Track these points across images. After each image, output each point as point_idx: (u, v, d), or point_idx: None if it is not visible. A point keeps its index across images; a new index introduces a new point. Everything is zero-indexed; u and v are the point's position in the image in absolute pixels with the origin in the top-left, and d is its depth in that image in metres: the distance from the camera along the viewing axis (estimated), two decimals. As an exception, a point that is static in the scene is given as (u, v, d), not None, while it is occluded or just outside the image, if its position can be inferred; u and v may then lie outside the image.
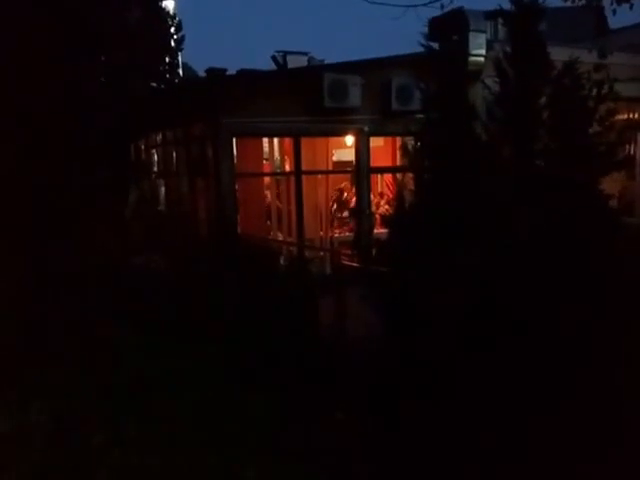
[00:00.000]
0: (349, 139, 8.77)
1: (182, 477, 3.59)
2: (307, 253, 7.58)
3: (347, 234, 9.61)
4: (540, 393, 3.09)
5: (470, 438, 3.16)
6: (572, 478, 3.03)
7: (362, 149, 8.51)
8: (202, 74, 10.63)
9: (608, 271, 3.22)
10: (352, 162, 8.83)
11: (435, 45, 4.05)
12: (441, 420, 3.31)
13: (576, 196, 3.44)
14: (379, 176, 9.97)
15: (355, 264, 5.49)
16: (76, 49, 7.92)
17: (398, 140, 8.74)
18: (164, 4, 14.93)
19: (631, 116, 9.11)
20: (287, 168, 9.08)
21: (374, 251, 5.19)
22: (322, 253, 8.20)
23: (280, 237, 9.22)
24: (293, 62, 10.33)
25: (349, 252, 6.56)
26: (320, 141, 9.04)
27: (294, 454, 3.69)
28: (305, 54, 11.16)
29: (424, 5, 4.59)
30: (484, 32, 7.60)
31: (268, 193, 9.76)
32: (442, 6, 4.56)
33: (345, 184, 10.39)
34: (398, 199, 4.27)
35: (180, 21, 15.68)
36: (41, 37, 7.05)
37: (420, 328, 3.53)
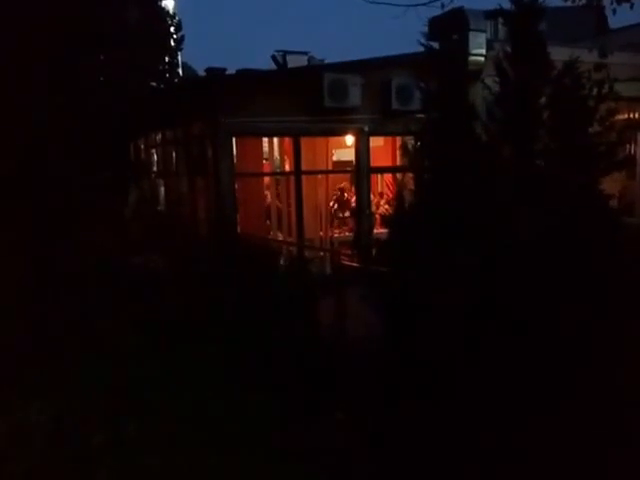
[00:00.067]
0: (349, 139, 8.77)
1: (182, 477, 3.59)
2: (307, 253, 7.58)
3: (347, 234, 9.61)
4: (540, 393, 3.09)
5: (470, 438, 3.16)
6: (572, 478, 3.03)
7: (362, 149, 8.50)
8: (202, 74, 10.62)
9: (609, 271, 3.22)
10: (352, 162, 8.83)
11: (435, 45, 4.05)
12: (441, 420, 3.31)
13: (576, 196, 3.44)
14: (379, 176, 9.97)
15: (355, 264, 5.49)
16: (76, 49, 7.92)
17: (398, 140, 8.74)
18: (164, 3, 14.93)
19: (631, 116, 9.11)
20: (287, 168, 9.08)
21: (374, 251, 5.19)
22: (322, 253, 8.20)
23: (280, 237, 9.22)
24: (293, 62, 10.34)
25: (349, 252, 6.57)
26: (320, 141, 9.04)
27: (294, 454, 3.68)
28: (305, 54, 11.17)
29: (424, 5, 4.59)
30: (484, 32, 7.59)
31: (268, 193, 9.76)
32: (442, 5, 4.56)
33: (344, 184, 10.39)
34: (398, 199, 4.27)
35: (180, 20, 15.68)
36: (41, 37, 7.05)
37: (420, 328, 3.53)
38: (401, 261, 3.87)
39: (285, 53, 10.76)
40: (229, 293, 6.03)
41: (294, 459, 3.65)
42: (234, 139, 7.79)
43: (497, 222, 3.48)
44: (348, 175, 9.67)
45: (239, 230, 7.96)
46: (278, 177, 9.65)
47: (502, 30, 7.29)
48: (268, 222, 9.48)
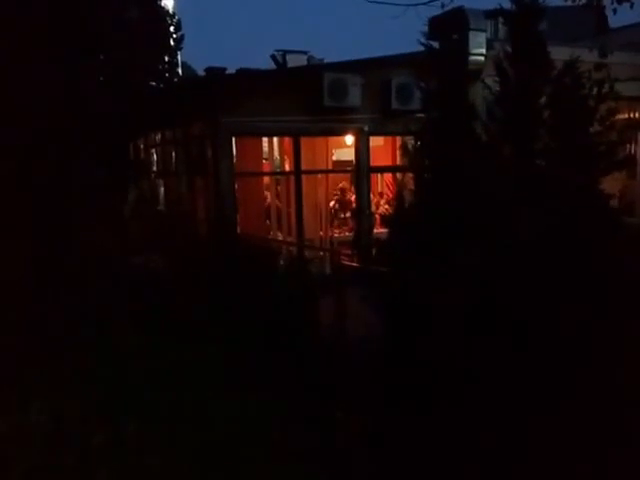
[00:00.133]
0: (349, 138, 8.77)
1: (182, 477, 3.58)
2: (307, 253, 7.58)
3: (347, 234, 9.61)
4: (540, 393, 3.09)
5: (470, 438, 3.15)
6: (572, 478, 3.02)
7: (362, 148, 8.50)
8: (201, 73, 10.62)
9: (609, 271, 3.21)
10: (352, 162, 8.82)
11: (435, 44, 4.05)
12: (441, 420, 3.31)
13: (576, 196, 3.44)
14: (379, 176, 9.97)
15: (355, 264, 5.49)
16: (75, 49, 7.91)
17: (398, 139, 8.73)
18: (163, 3, 14.89)
19: (632, 115, 9.11)
20: (287, 167, 9.08)
21: (374, 251, 5.19)
22: (322, 253, 8.19)
23: (280, 237, 9.22)
24: (293, 61, 10.33)
25: (349, 252, 6.56)
26: (320, 140, 9.04)
27: (294, 454, 3.68)
28: (305, 53, 11.16)
29: (424, 4, 4.59)
30: (484, 31, 7.58)
31: (268, 193, 9.76)
32: (442, 5, 4.55)
33: (343, 183, 10.39)
34: (398, 199, 4.27)
35: (179, 20, 15.65)
36: (41, 37, 7.04)
37: (420, 328, 3.53)
38: (401, 261, 3.87)
39: (285, 53, 10.75)
40: (229, 293, 6.03)
41: (294, 459, 3.65)
42: (234, 139, 7.79)
43: (497, 222, 3.47)
44: (348, 175, 9.67)
45: (239, 230, 7.96)
46: (278, 177, 9.64)
47: (502, 30, 7.27)
48: (268, 222, 9.47)
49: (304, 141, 8.30)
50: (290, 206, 8.78)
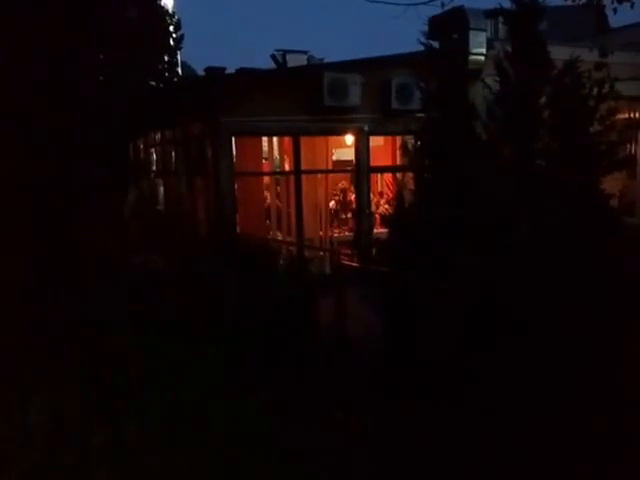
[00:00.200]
0: (349, 138, 8.76)
1: (182, 477, 3.58)
2: (307, 253, 7.58)
3: (347, 234, 9.61)
4: (540, 393, 3.09)
5: (470, 438, 3.15)
6: (572, 478, 3.02)
7: (362, 148, 8.50)
8: (201, 73, 10.61)
9: (609, 271, 3.21)
10: (352, 161, 8.82)
11: (435, 44, 4.05)
12: (441, 420, 3.30)
13: (577, 196, 3.44)
14: (379, 175, 9.96)
15: (355, 264, 5.49)
16: (75, 49, 7.90)
17: (398, 139, 8.73)
18: (163, 2, 14.88)
19: (632, 115, 9.10)
20: (286, 167, 9.08)
21: (374, 251, 5.19)
22: (322, 253, 8.19)
23: (279, 237, 9.22)
24: (293, 61, 10.32)
25: (349, 252, 6.56)
26: (320, 140, 9.03)
27: (294, 454, 3.68)
28: (305, 53, 11.14)
29: (424, 4, 4.57)
30: (484, 31, 7.58)
31: (267, 193, 9.75)
32: (442, 5, 4.54)
33: (343, 183, 10.38)
34: (398, 199, 4.27)
35: (179, 19, 15.63)
36: (41, 37, 7.04)
37: (420, 328, 3.53)
38: (401, 261, 3.86)
39: (285, 52, 10.74)
40: (229, 293, 6.03)
41: (294, 459, 3.64)
42: (233, 138, 7.78)
43: (497, 222, 3.47)
44: (348, 175, 9.66)
45: (239, 230, 7.96)
46: (278, 177, 9.64)
47: (502, 29, 7.28)
48: (268, 222, 9.47)
49: (304, 141, 8.30)
50: (290, 206, 8.78)
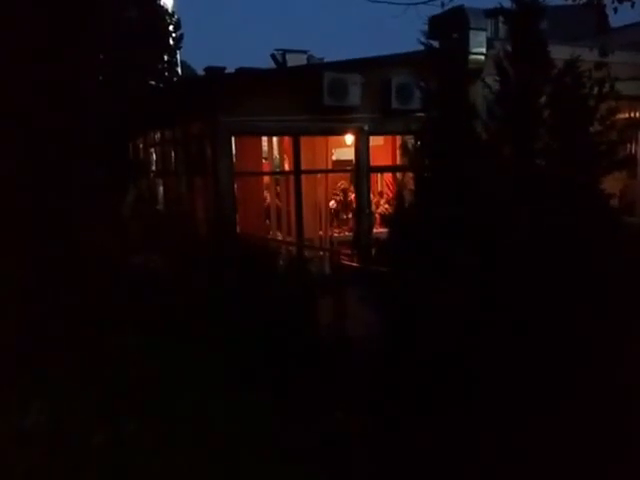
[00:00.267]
0: (349, 138, 8.76)
1: (182, 477, 3.58)
2: (306, 253, 7.57)
3: (347, 234, 9.61)
4: (540, 393, 3.09)
5: (470, 438, 3.15)
6: (572, 478, 3.02)
7: (362, 148, 8.49)
8: (201, 73, 10.61)
9: (609, 271, 3.21)
10: (352, 161, 8.82)
11: (435, 43, 4.04)
12: (441, 420, 3.30)
13: (577, 196, 3.44)
14: (379, 175, 9.96)
15: (354, 264, 5.48)
16: (75, 48, 7.90)
17: (398, 139, 8.73)
18: (163, 2, 14.87)
19: (632, 115, 9.10)
20: (286, 167, 9.08)
21: (374, 251, 5.18)
22: (322, 253, 8.19)
23: (279, 236, 9.22)
24: (292, 60, 10.32)
25: (348, 252, 6.56)
26: (320, 140, 9.03)
27: (294, 454, 3.68)
28: (304, 52, 11.14)
29: (424, 3, 4.58)
30: (485, 30, 7.58)
31: (267, 192, 9.75)
32: (442, 4, 4.54)
33: (342, 182, 10.38)
34: (398, 198, 4.26)
35: (179, 19, 15.62)
36: (41, 37, 7.03)
37: (420, 328, 3.53)
38: (401, 261, 3.86)
39: (284, 52, 10.74)
40: (229, 293, 6.03)
41: (294, 459, 3.64)
42: (233, 138, 7.78)
43: (497, 222, 3.47)
44: (348, 175, 9.66)
45: (238, 230, 7.96)
46: (277, 176, 9.64)
47: (503, 29, 7.29)
48: (267, 222, 9.47)
49: (304, 141, 8.30)
50: (290, 206, 8.78)
